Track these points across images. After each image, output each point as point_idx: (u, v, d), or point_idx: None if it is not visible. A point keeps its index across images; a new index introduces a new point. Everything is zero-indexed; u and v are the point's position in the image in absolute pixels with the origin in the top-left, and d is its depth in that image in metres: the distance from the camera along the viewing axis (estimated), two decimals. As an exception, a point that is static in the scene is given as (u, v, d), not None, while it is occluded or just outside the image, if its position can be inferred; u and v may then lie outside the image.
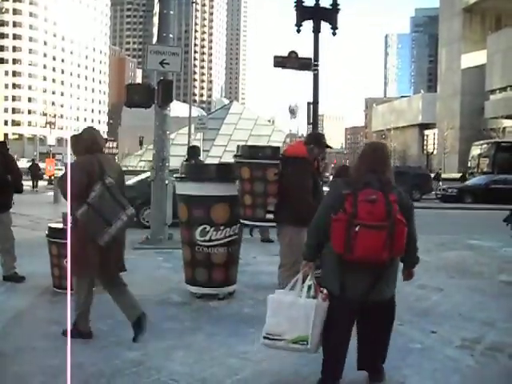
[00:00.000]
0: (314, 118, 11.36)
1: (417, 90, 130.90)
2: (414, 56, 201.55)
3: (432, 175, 32.35)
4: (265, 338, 3.81)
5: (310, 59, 11.16)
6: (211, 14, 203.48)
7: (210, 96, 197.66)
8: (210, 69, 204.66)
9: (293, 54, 11.19)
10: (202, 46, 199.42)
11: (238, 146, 6.22)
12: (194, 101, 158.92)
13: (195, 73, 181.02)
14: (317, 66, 11.01)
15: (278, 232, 5.65)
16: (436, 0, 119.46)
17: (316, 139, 5.61)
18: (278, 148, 6.32)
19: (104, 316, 5.41)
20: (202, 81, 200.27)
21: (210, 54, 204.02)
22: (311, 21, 11.16)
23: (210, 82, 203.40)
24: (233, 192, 6.11)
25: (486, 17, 61.79)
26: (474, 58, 58.98)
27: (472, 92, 59.21)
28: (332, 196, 3.78)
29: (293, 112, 50.30)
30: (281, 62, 11.36)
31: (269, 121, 58.95)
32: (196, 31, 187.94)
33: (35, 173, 32.15)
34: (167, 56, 9.61)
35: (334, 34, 11.01)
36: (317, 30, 10.92)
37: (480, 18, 62.23)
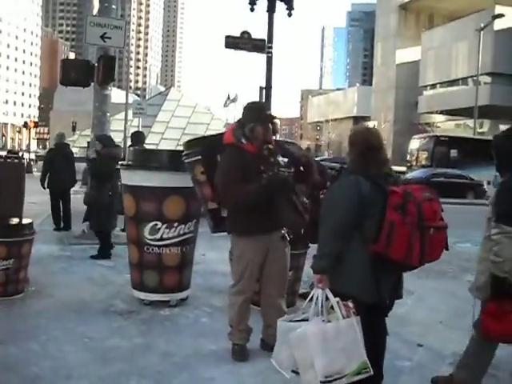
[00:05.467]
0: (267, 104, 10.59)
1: (352, 83, 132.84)
2: (349, 50, 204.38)
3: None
4: (323, 382, 3.06)
5: (264, 41, 10.40)
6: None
7: (145, 83, 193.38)
8: (146, 55, 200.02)
9: (245, 34, 10.40)
10: (138, 32, 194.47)
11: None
12: (130, 87, 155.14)
13: (131, 59, 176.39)
14: (271, 47, 10.26)
15: None
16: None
17: (254, 113, 4.09)
18: (203, 138, 5.35)
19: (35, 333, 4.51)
20: (138, 67, 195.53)
21: (146, 40, 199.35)
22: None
23: (145, 68, 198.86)
24: (189, 183, 5.28)
25: (420, 15, 62.92)
26: (408, 54, 59.99)
27: (406, 87, 60.19)
28: (357, 195, 3.16)
29: (226, 103, 49.48)
30: (232, 43, 10.55)
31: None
32: (133, 16, 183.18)
33: None
34: (109, 30, 8.60)
35: (290, 14, 10.29)
36: (271, 10, 10.17)
37: (415, 16, 63.31)
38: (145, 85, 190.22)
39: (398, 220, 3.03)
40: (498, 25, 40.10)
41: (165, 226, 5.23)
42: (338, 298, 3.16)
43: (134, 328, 4.73)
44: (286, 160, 4.17)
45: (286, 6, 10.30)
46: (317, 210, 4.77)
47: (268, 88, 10.61)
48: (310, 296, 3.28)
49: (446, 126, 54.54)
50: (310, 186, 4.64)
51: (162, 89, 79.54)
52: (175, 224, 5.26)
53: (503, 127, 27.38)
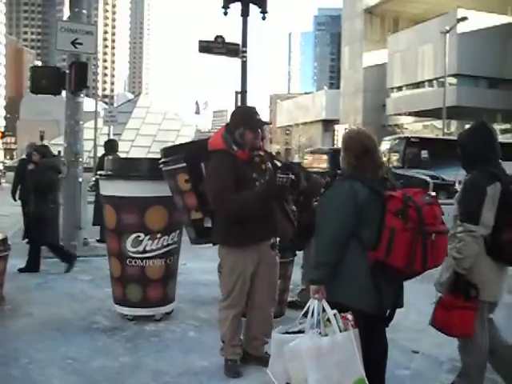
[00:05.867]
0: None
1: (319, 87, 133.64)
2: (316, 54, 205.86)
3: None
4: None
5: (238, 45, 10.24)
6: (114, 6, 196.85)
7: (112, 90, 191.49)
8: (113, 62, 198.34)
9: (219, 38, 10.21)
10: (105, 39, 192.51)
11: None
12: (97, 95, 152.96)
13: (97, 66, 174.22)
14: (245, 52, 10.10)
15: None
16: (338, 0, 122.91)
17: (244, 118, 3.92)
18: (186, 144, 5.14)
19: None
20: (105, 74, 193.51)
21: (113, 47, 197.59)
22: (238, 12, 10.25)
23: (113, 75, 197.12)
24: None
25: (386, 18, 63.75)
26: (375, 57, 60.62)
27: (374, 89, 60.81)
28: (353, 202, 3.03)
29: (197, 109, 49.41)
30: (206, 48, 10.36)
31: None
32: (99, 23, 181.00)
33: None
34: (80, 35, 8.33)
35: (264, 18, 10.17)
36: (245, 14, 10.00)
37: (380, 20, 64.14)
38: (112, 92, 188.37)
39: (399, 226, 2.92)
40: (461, 28, 40.76)
41: (148, 237, 5.03)
42: (335, 310, 3.03)
43: (120, 346, 4.50)
44: (280, 165, 4.01)
45: (259, 10, 10.15)
46: (304, 217, 4.64)
47: (243, 92, 10.45)
48: (307, 307, 3.14)
49: (413, 127, 55.25)
50: (296, 193, 4.52)
51: (130, 96, 78.85)
52: (158, 235, 5.07)
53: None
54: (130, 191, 5.04)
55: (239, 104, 10.63)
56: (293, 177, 3.70)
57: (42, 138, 48.63)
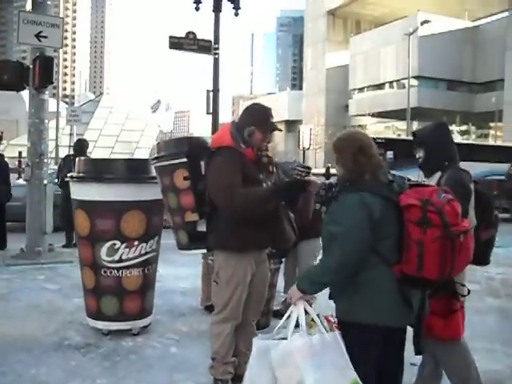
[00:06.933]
0: (215, 108, 10.07)
1: (282, 88, 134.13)
2: (279, 55, 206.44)
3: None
4: None
5: (210, 41, 9.87)
6: (74, 3, 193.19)
7: (73, 90, 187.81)
8: (74, 61, 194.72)
9: (191, 34, 9.81)
10: (65, 38, 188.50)
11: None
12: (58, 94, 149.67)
13: (58, 64, 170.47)
14: (217, 49, 9.73)
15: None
16: (300, 2, 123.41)
17: (259, 117, 3.57)
18: (186, 138, 4.81)
19: None
20: (65, 74, 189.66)
21: (74, 46, 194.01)
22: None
23: (73, 75, 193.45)
24: (150, 196, 4.68)
25: (348, 20, 64.46)
26: (337, 58, 61.12)
27: (336, 90, 61.34)
28: (367, 218, 2.65)
29: (153, 107, 48.92)
30: (177, 44, 9.95)
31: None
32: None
33: None
34: (45, 28, 7.82)
35: (237, 14, 9.85)
36: (217, 9, 9.65)
37: (342, 21, 64.81)
38: (73, 92, 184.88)
39: (426, 237, 2.62)
40: (422, 31, 41.28)
41: (124, 245, 4.63)
42: (317, 311, 2.75)
43: (96, 365, 4.08)
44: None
45: (232, 6, 9.82)
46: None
47: (215, 91, 10.10)
48: (287, 314, 2.79)
49: (376, 128, 55.92)
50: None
51: (92, 96, 77.22)
52: (136, 242, 4.67)
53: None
54: (104, 195, 4.63)
55: (210, 103, 10.29)
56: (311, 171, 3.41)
57: (0, 138, 47.21)
